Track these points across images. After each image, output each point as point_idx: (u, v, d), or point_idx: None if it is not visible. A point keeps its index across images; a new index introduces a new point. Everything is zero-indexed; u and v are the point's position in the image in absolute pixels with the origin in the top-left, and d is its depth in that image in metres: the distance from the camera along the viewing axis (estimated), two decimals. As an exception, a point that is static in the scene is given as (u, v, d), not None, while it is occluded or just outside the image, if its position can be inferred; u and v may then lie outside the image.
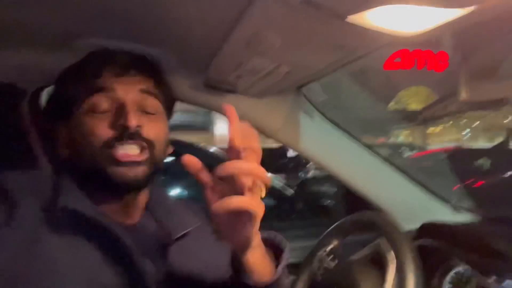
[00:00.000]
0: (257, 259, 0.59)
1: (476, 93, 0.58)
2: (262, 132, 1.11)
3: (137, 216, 0.71)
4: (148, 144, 0.65)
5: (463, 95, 0.59)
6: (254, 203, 0.49)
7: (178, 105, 0.83)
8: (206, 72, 0.92)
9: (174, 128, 0.74)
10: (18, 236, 0.56)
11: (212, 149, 3.18)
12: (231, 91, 0.98)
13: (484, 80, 0.59)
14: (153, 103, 0.68)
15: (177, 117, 0.78)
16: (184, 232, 0.71)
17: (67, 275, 0.57)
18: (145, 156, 0.64)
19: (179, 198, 0.86)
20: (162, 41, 0.80)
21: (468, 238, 0.96)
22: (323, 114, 1.16)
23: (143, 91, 0.67)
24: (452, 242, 0.97)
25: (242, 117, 1.10)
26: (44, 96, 0.97)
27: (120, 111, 0.63)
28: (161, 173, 0.72)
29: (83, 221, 0.60)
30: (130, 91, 0.65)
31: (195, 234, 0.73)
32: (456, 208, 1.30)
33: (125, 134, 0.62)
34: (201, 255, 0.74)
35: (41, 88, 1.01)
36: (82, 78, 0.66)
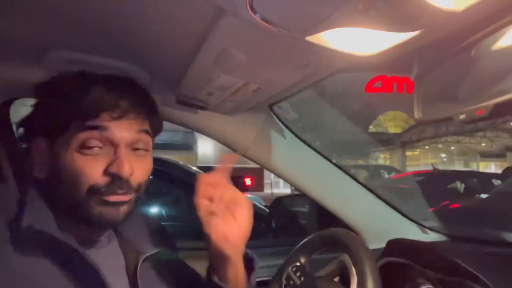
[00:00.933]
0: (236, 272, 0.64)
1: (428, 113, 0.61)
2: (233, 149, 1.12)
3: (104, 234, 0.69)
4: (135, 190, 0.64)
5: (417, 114, 0.62)
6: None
7: (163, 125, 0.82)
8: (178, 88, 0.93)
9: (156, 146, 0.74)
10: None
11: (194, 168, 3.16)
12: (203, 107, 0.99)
13: (436, 102, 0.62)
14: (146, 140, 0.67)
15: (161, 136, 0.78)
16: (152, 252, 0.71)
17: None
18: (130, 197, 0.64)
19: (144, 216, 0.85)
20: (133, 56, 0.81)
21: (434, 256, 0.98)
22: (294, 132, 1.18)
23: (139, 131, 0.66)
24: (418, 260, 0.98)
25: (214, 134, 1.12)
26: (18, 108, 0.95)
27: (113, 156, 0.62)
28: None
29: (48, 242, 0.58)
30: (126, 131, 0.64)
31: (161, 253, 0.73)
32: (426, 229, 1.32)
33: (116, 182, 0.61)
34: (169, 275, 0.73)
35: (10, 101, 1.00)
36: (77, 110, 0.62)
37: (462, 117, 0.49)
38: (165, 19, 0.65)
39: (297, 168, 1.20)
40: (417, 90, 0.60)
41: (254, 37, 0.61)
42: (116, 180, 0.61)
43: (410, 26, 0.46)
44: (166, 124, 0.94)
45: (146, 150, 0.68)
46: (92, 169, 0.60)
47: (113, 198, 0.61)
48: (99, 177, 0.60)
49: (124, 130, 0.63)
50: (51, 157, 0.63)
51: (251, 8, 0.49)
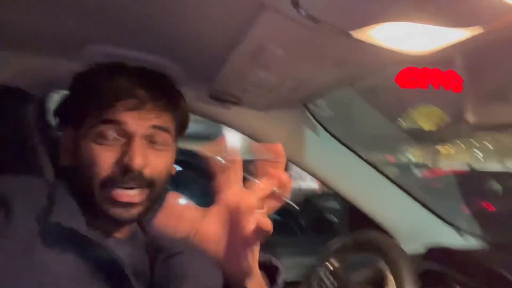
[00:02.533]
0: (255, 286, 0.59)
1: (484, 116, 0.57)
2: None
3: (127, 231, 0.69)
4: (148, 184, 0.62)
5: (471, 117, 0.57)
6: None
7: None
8: (212, 83, 0.92)
9: (183, 137, 0.72)
10: (11, 245, 0.55)
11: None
12: (236, 103, 0.97)
13: (493, 103, 0.57)
14: (164, 137, 0.64)
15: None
16: (178, 251, 0.70)
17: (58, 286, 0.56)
18: (143, 197, 0.62)
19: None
20: (168, 51, 0.80)
21: (475, 264, 0.93)
22: (328, 130, 1.14)
23: (155, 127, 0.63)
24: (459, 268, 0.94)
25: (246, 130, 1.11)
26: (54, 100, 0.97)
27: (126, 147, 0.60)
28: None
29: (75, 237, 0.58)
30: (141, 125, 0.61)
31: (188, 252, 0.72)
32: (463, 233, 1.26)
33: (128, 174, 0.59)
34: (193, 275, 0.72)
35: (48, 93, 1.02)
36: (95, 103, 0.61)
37: (526, 123, 0.45)
38: (204, 14, 0.63)
39: (331, 167, 1.17)
40: (470, 89, 0.55)
41: (294, 33, 0.58)
42: (127, 172, 0.59)
43: (473, 22, 0.42)
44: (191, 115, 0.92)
45: (165, 145, 0.65)
46: (105, 160, 0.59)
47: (124, 198, 0.60)
48: (111, 168, 0.59)
49: (139, 121, 0.61)
50: (75, 146, 0.63)
51: (296, 4, 0.47)
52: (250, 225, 0.56)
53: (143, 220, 0.71)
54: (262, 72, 0.75)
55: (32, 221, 0.57)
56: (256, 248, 0.54)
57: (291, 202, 2.91)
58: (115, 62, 0.68)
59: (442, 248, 1.00)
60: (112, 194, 0.59)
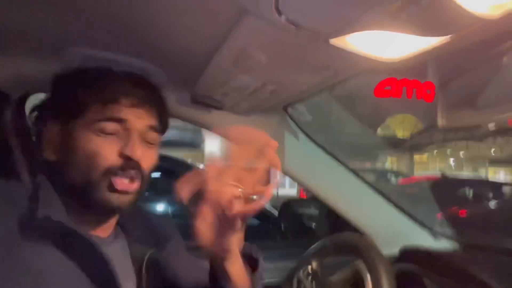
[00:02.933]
0: (236, 270, 0.60)
1: (453, 121, 0.60)
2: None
3: (110, 230, 0.70)
4: (141, 175, 0.66)
5: (441, 122, 0.60)
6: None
7: (170, 122, 0.83)
8: (194, 87, 0.93)
9: (164, 144, 0.75)
10: None
11: (201, 166, 3.18)
12: (218, 107, 0.98)
13: (461, 108, 0.60)
14: (154, 136, 0.70)
15: (169, 133, 0.79)
16: (157, 248, 0.71)
17: (44, 284, 0.56)
18: (136, 186, 0.65)
19: (152, 213, 0.85)
20: (150, 54, 0.80)
21: (448, 265, 0.96)
22: (308, 134, 1.17)
23: (150, 127, 0.68)
24: (432, 268, 0.97)
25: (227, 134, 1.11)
26: (31, 100, 0.96)
27: (126, 140, 0.64)
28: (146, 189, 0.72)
29: (63, 232, 0.59)
30: (140, 123, 0.66)
31: (168, 250, 0.73)
32: (437, 235, 1.30)
33: (129, 164, 0.63)
34: (175, 271, 0.73)
35: (27, 94, 1.01)
36: (97, 99, 0.65)
37: (491, 125, 0.48)
38: (186, 19, 0.64)
39: (310, 171, 1.19)
40: (441, 95, 0.58)
41: (276, 38, 0.60)
42: (129, 162, 0.63)
43: (441, 31, 0.45)
44: (173, 122, 0.93)
45: (153, 144, 0.70)
46: (108, 150, 0.63)
47: (123, 185, 0.63)
48: (114, 158, 0.63)
49: (139, 120, 0.66)
50: (64, 140, 0.65)
51: (277, 9, 0.48)
52: (232, 209, 0.56)
53: (124, 220, 0.72)
54: (243, 77, 0.77)
55: (13, 222, 0.57)
56: (238, 233, 0.55)
57: (270, 208, 2.94)
58: (100, 67, 0.71)
59: (415, 249, 1.03)
60: (111, 181, 0.63)
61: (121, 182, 0.63)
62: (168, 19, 0.65)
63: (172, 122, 0.91)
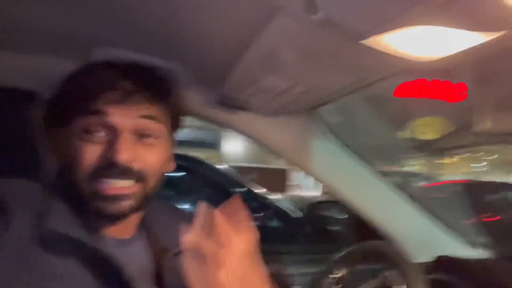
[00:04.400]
0: None
1: (497, 124, 0.56)
2: (273, 151, 1.10)
3: (131, 230, 0.68)
4: (139, 178, 0.61)
5: (484, 125, 0.56)
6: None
7: (188, 121, 0.80)
8: (220, 88, 0.92)
9: (183, 143, 0.72)
10: (9, 252, 0.54)
11: (220, 167, 3.17)
12: (244, 108, 0.97)
13: (507, 111, 0.56)
14: (154, 127, 0.63)
15: (187, 133, 0.76)
16: (180, 249, 0.69)
17: None
18: (133, 190, 0.60)
19: (178, 210, 0.83)
20: (177, 54, 0.80)
21: (484, 275, 0.92)
22: (336, 137, 1.14)
23: (144, 117, 0.61)
24: (467, 278, 0.92)
25: (253, 136, 1.10)
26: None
27: (112, 141, 0.59)
28: (168, 189, 0.70)
29: (73, 243, 0.57)
30: (128, 117, 0.60)
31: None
32: (470, 243, 1.25)
33: (114, 169, 0.58)
34: None
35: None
36: (78, 96, 0.60)
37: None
38: (214, 17, 0.63)
39: (337, 174, 1.16)
40: (478, 98, 0.55)
41: (307, 37, 0.58)
42: (112, 166, 0.57)
43: (491, 28, 0.42)
44: (192, 122, 0.92)
45: (157, 138, 0.63)
46: (90, 154, 0.58)
47: (111, 191, 0.58)
48: (97, 162, 0.58)
49: (126, 115, 0.59)
50: (61, 147, 0.63)
51: (311, 6, 0.46)
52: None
53: (144, 218, 0.70)
54: (271, 77, 0.75)
55: (29, 227, 0.56)
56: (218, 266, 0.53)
57: (296, 210, 2.89)
58: (103, 60, 0.67)
59: (450, 258, 0.98)
60: (98, 188, 0.58)
61: (109, 187, 0.58)
62: (196, 19, 0.64)
63: (191, 122, 0.90)
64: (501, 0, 0.36)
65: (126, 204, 0.60)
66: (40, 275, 0.54)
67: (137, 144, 0.60)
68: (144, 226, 0.70)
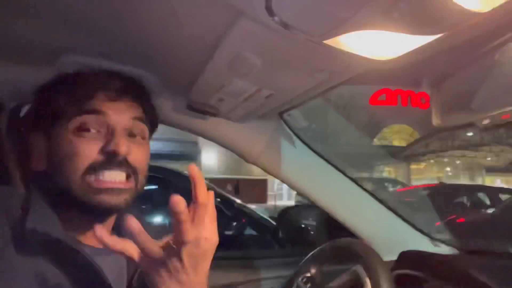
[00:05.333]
0: None
1: (447, 120, 0.60)
2: (243, 157, 1.11)
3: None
4: (133, 171, 0.64)
5: (435, 121, 0.60)
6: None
7: (166, 134, 0.82)
8: (189, 94, 0.92)
9: (162, 156, 0.74)
10: None
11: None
12: (214, 114, 0.98)
13: (456, 110, 0.60)
14: (142, 128, 0.68)
15: (165, 145, 0.78)
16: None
17: None
18: (130, 184, 0.63)
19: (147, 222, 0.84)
20: (145, 62, 0.80)
21: (448, 268, 0.96)
22: (304, 141, 1.17)
23: (135, 118, 0.66)
24: (431, 272, 0.96)
25: (223, 141, 1.12)
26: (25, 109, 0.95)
27: (110, 136, 0.62)
28: (142, 201, 0.70)
29: (52, 243, 0.58)
30: (122, 116, 0.64)
31: None
32: (436, 241, 1.30)
33: (113, 160, 0.61)
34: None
35: (22, 104, 1.00)
36: (73, 96, 0.63)
37: (485, 122, 0.48)
38: (179, 24, 0.64)
39: (307, 177, 1.18)
40: (435, 96, 0.58)
41: (270, 40, 0.60)
42: (112, 158, 0.61)
43: (434, 28, 0.45)
44: (170, 135, 0.93)
45: (143, 138, 0.68)
46: (89, 149, 0.61)
47: (110, 184, 0.60)
48: (96, 155, 0.60)
49: (120, 113, 0.64)
50: (49, 148, 0.64)
51: (269, 10, 0.49)
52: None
53: (120, 228, 0.70)
54: (239, 81, 0.77)
55: (5, 229, 0.56)
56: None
57: (268, 218, 2.92)
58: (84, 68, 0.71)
59: (414, 252, 1.02)
60: (96, 181, 0.60)
61: (109, 180, 0.60)
62: (161, 25, 0.65)
63: (169, 134, 0.90)
64: (440, 2, 0.39)
65: (122, 198, 0.62)
66: (13, 276, 0.54)
67: (129, 142, 0.64)
68: (116, 234, 0.70)
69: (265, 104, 0.88)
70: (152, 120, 0.73)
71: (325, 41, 0.54)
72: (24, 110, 0.98)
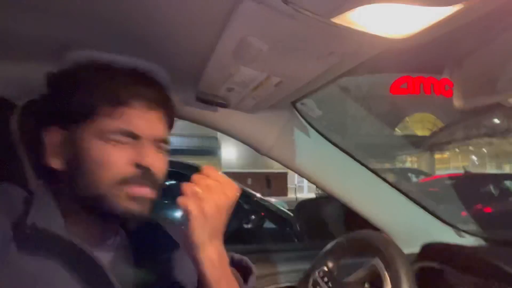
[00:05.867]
0: (218, 276, 0.61)
1: (470, 101, 0.56)
2: (256, 149, 1.08)
3: (112, 236, 0.68)
4: (157, 183, 0.64)
5: (457, 103, 0.56)
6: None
7: (185, 129, 0.81)
8: (198, 86, 0.90)
9: (182, 151, 0.74)
10: None
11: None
12: (224, 105, 0.96)
13: (479, 86, 0.56)
14: (166, 133, 0.68)
15: (184, 141, 0.77)
16: (158, 255, 0.69)
17: None
18: (154, 193, 0.64)
19: (157, 221, 0.83)
20: (152, 54, 0.78)
21: (471, 259, 0.91)
22: (318, 131, 1.13)
23: (163, 126, 0.66)
24: (456, 264, 0.91)
25: (235, 133, 1.09)
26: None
27: (141, 148, 0.62)
28: (162, 196, 0.70)
29: (54, 241, 0.57)
30: (153, 128, 0.64)
31: (170, 256, 0.72)
32: (461, 232, 1.24)
33: (145, 174, 0.61)
34: (175, 278, 0.71)
35: (33, 101, 1.00)
36: (103, 99, 0.61)
37: (511, 100, 0.43)
38: (181, 12, 0.62)
39: (323, 168, 1.15)
40: (456, 76, 0.54)
41: (275, 23, 0.57)
42: (145, 172, 0.61)
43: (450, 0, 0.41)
44: (189, 130, 0.91)
45: (166, 143, 0.68)
46: (121, 160, 0.60)
47: (140, 192, 0.61)
48: (129, 168, 0.60)
49: (152, 125, 0.64)
50: (70, 147, 0.62)
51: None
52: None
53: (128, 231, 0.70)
54: (246, 69, 0.74)
55: (6, 226, 0.55)
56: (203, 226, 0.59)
57: (287, 211, 2.90)
58: (109, 62, 0.68)
59: (437, 244, 0.97)
60: (129, 190, 0.60)
61: (139, 190, 0.61)
62: (164, 15, 0.64)
63: (188, 130, 0.89)
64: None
65: (146, 206, 0.63)
66: (16, 273, 0.54)
67: (156, 153, 0.64)
68: (124, 232, 0.70)
69: (275, 92, 0.85)
70: (171, 120, 0.72)
71: (334, 19, 0.51)
72: (33, 106, 0.98)
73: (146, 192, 0.62)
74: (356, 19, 0.51)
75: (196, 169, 0.65)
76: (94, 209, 0.61)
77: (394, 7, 0.46)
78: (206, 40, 0.69)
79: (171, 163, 0.72)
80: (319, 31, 0.56)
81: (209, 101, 0.95)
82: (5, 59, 0.84)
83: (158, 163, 0.63)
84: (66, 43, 0.76)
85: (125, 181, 0.60)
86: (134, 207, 0.61)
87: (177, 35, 0.70)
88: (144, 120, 0.62)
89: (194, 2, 0.59)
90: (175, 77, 0.88)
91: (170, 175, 0.70)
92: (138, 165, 0.61)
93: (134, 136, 0.61)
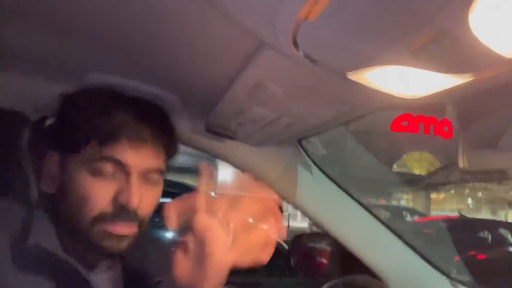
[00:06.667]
0: None
1: (474, 163, 0.57)
2: (259, 181, 1.09)
3: (108, 261, 0.67)
4: (140, 221, 0.62)
5: (462, 163, 0.58)
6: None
7: (182, 148, 0.80)
8: (208, 117, 0.93)
9: (177, 170, 0.73)
10: None
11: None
12: (232, 137, 0.98)
13: (484, 150, 0.58)
14: (161, 168, 0.65)
15: (182, 160, 0.76)
16: (150, 278, 0.69)
17: None
18: (134, 230, 0.62)
19: (157, 243, 0.83)
20: (167, 82, 0.81)
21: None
22: (321, 169, 1.15)
23: (155, 160, 0.63)
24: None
25: (240, 165, 1.11)
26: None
27: (125, 183, 0.60)
28: (158, 215, 0.69)
29: (51, 261, 0.58)
30: (142, 160, 0.61)
31: (167, 280, 0.71)
32: (455, 281, 1.24)
33: (123, 212, 0.59)
34: None
35: (45, 118, 1.02)
36: (96, 131, 0.60)
37: (515, 170, 0.45)
38: (204, 49, 0.65)
39: (323, 207, 1.16)
40: (463, 136, 0.56)
41: (292, 72, 0.59)
42: (123, 210, 0.59)
43: (464, 71, 0.44)
44: (186, 148, 0.93)
45: (160, 175, 0.65)
46: (101, 194, 0.59)
47: (118, 230, 0.59)
48: (107, 204, 0.59)
49: (140, 159, 0.61)
50: (62, 174, 0.62)
51: (294, 43, 0.48)
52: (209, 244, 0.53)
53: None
54: (259, 109, 0.76)
55: (5, 244, 0.56)
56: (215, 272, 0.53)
57: (280, 241, 2.86)
58: (109, 89, 0.69)
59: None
60: (105, 227, 0.59)
61: (114, 227, 0.59)
62: (185, 48, 0.66)
63: (186, 148, 0.91)
64: (475, 44, 0.38)
65: (126, 242, 0.61)
66: None
67: (143, 186, 0.61)
68: (120, 257, 0.70)
69: (284, 131, 0.87)
70: (172, 155, 0.70)
71: (348, 76, 0.53)
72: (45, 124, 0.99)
73: (123, 229, 0.60)
74: (370, 77, 0.54)
75: (191, 189, 0.64)
76: (75, 239, 0.61)
77: (410, 70, 0.49)
78: (224, 78, 0.71)
79: (167, 183, 0.70)
80: (333, 82, 0.59)
81: (218, 132, 0.97)
82: (20, 73, 0.86)
83: (145, 199, 0.61)
84: (83, 65, 0.78)
85: (102, 218, 0.58)
86: (111, 244, 0.60)
87: (196, 67, 0.73)
88: (135, 151, 0.60)
89: (216, 40, 0.61)
90: (187, 106, 0.90)
91: (165, 194, 0.68)
92: (115, 202, 0.59)
93: (122, 166, 0.59)
